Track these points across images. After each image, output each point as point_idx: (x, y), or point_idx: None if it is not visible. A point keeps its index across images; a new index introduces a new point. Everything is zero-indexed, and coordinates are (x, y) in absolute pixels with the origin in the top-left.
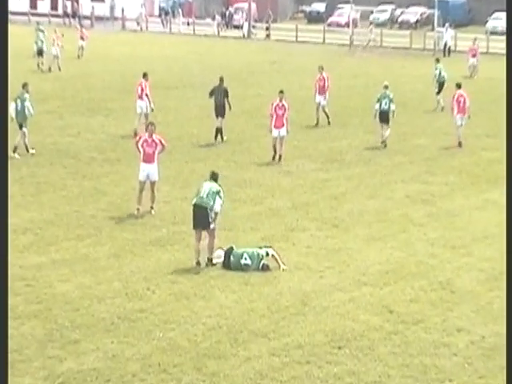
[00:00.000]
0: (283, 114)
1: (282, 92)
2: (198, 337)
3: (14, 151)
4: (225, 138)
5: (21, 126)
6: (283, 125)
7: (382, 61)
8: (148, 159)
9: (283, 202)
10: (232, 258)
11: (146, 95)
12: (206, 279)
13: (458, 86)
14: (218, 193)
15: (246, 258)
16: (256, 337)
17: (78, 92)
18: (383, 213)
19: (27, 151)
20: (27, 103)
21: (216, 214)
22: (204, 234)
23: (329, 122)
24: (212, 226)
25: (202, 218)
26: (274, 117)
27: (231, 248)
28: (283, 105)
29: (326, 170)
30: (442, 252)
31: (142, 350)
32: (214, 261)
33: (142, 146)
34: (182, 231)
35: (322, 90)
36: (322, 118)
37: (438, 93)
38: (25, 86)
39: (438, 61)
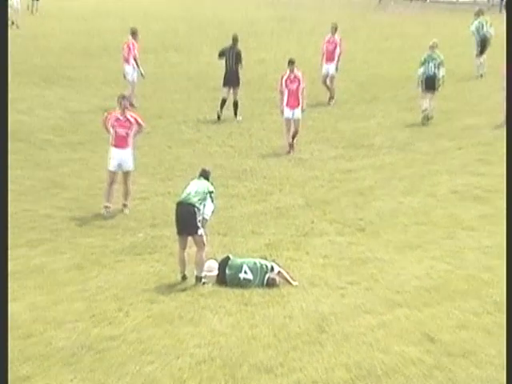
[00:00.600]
0: (297, 89)
1: (292, 63)
2: (183, 372)
3: None
4: (240, 117)
5: None
6: (298, 103)
7: (422, 17)
8: (120, 143)
9: (293, 198)
10: (228, 270)
11: (135, 59)
12: (194, 298)
13: None
14: (209, 193)
15: (246, 271)
16: (259, 372)
17: (30, 56)
18: (423, 213)
19: None
20: None
21: (206, 220)
22: (190, 240)
23: (330, 101)
24: (200, 231)
25: (187, 220)
26: (286, 93)
27: (227, 258)
28: (295, 77)
29: (348, 158)
30: (499, 264)
31: None
32: (204, 274)
33: (113, 125)
34: (163, 236)
35: (330, 57)
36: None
37: (480, 54)
38: None
39: (479, 14)
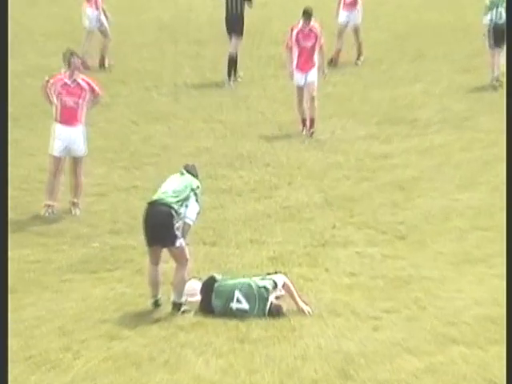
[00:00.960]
0: (313, 48)
1: (308, 13)
2: None
3: None
4: (240, 73)
5: None
6: (312, 65)
7: None
8: (68, 118)
9: (308, 194)
10: (215, 299)
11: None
12: (171, 332)
13: None
14: (193, 191)
15: (239, 299)
16: None
17: None
18: (486, 215)
19: None
20: None
21: (188, 226)
22: (165, 253)
23: (358, 59)
24: (179, 242)
25: (162, 226)
26: (296, 52)
27: (212, 279)
28: (312, 31)
29: (384, 139)
30: None
31: None
32: (185, 299)
33: (58, 94)
34: (127, 246)
35: (352, 2)
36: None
37: None
38: None
39: None
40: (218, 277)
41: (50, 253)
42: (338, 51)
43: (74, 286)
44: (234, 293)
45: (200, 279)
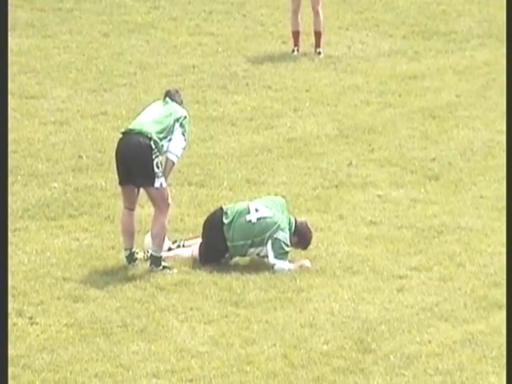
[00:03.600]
0: None
1: None
2: None
3: None
4: None
5: None
6: None
7: None
8: None
9: (319, 123)
10: (225, 219)
11: None
12: (149, 293)
13: None
14: (178, 121)
15: (257, 209)
16: None
17: None
18: None
19: None
20: None
21: (172, 163)
22: (142, 195)
23: None
24: (159, 181)
25: (137, 160)
26: None
27: (220, 210)
28: None
29: (412, 55)
30: None
31: None
32: (166, 252)
33: None
34: (94, 187)
35: None
36: None
37: None
38: None
39: None
40: (227, 206)
41: None
42: None
43: (28, 236)
44: (248, 206)
45: (175, 241)
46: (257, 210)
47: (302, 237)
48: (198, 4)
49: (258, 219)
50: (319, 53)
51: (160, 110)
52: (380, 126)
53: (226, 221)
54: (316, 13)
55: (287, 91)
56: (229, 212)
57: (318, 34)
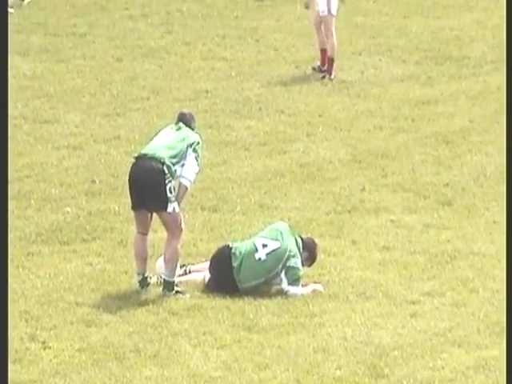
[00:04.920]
0: None
1: None
2: None
3: None
4: None
5: None
6: None
7: None
8: None
9: (332, 149)
10: (234, 261)
11: None
12: (161, 318)
13: None
14: (191, 146)
15: (264, 245)
16: None
17: None
18: None
19: None
20: None
21: (185, 188)
22: (155, 219)
23: None
24: (172, 206)
25: (151, 185)
26: None
27: (226, 248)
28: None
29: (426, 81)
30: None
31: None
32: (179, 279)
33: None
34: (108, 211)
35: None
36: None
37: None
38: None
39: None
40: (232, 244)
41: (13, 220)
42: None
43: (41, 261)
44: (254, 244)
45: (183, 265)
46: (264, 246)
47: (310, 251)
48: (210, 29)
49: (268, 254)
50: (325, 77)
51: (173, 135)
52: (393, 151)
53: (235, 264)
54: (327, 38)
55: (300, 116)
56: (237, 253)
57: (329, 60)
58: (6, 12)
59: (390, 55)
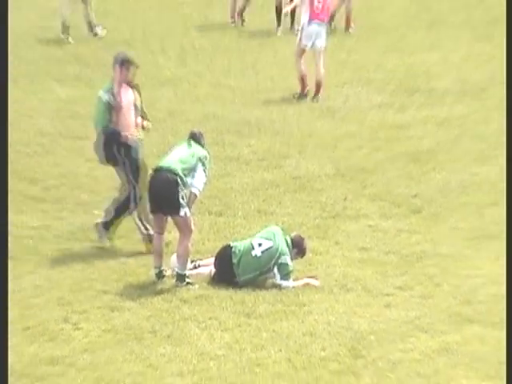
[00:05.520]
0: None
1: None
2: None
3: None
4: (279, 33)
5: None
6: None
7: None
8: None
9: (319, 164)
10: (234, 258)
11: None
12: (174, 305)
13: None
14: (200, 159)
15: (260, 244)
16: None
17: None
18: (505, 189)
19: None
20: None
21: (194, 196)
22: (170, 222)
23: (347, 27)
24: (184, 211)
25: (166, 193)
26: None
27: (228, 246)
28: None
29: (399, 108)
30: None
31: None
32: (189, 273)
33: None
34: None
35: None
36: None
37: None
38: None
39: None
40: (232, 243)
41: (49, 220)
42: (347, 17)
43: (73, 255)
44: (251, 243)
45: (192, 261)
46: (260, 245)
47: (299, 247)
48: (218, 61)
49: (263, 252)
50: (316, 99)
51: (185, 151)
52: (371, 167)
53: (234, 260)
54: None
55: (293, 136)
56: (236, 251)
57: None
58: (6, 12)
59: (369, 86)
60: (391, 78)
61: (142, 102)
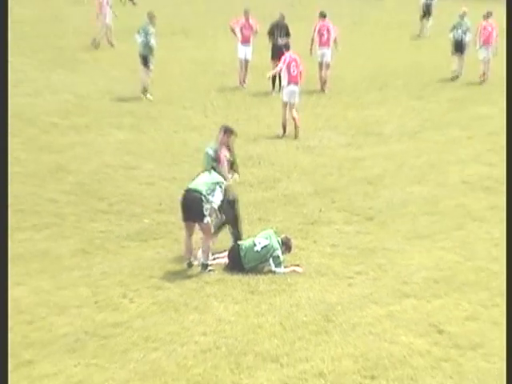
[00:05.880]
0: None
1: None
2: (188, 360)
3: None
4: (274, 93)
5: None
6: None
7: (439, 4)
8: None
9: (302, 186)
10: (242, 252)
11: (109, 5)
12: (200, 285)
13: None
14: (218, 184)
15: (260, 242)
16: (264, 361)
17: (38, 39)
18: (433, 203)
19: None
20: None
21: (214, 209)
22: (197, 227)
23: (323, 89)
24: (206, 220)
25: (193, 207)
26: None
27: (237, 245)
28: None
29: (357, 146)
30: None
31: (116, 375)
32: (210, 261)
33: None
34: (168, 222)
35: (326, 42)
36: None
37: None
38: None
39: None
40: (240, 243)
41: (112, 226)
42: (325, 81)
43: (129, 251)
44: (254, 241)
45: (212, 254)
46: (260, 243)
47: (287, 245)
48: (231, 114)
49: (262, 248)
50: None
51: (207, 177)
52: (338, 187)
53: (242, 254)
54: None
55: (283, 166)
56: (243, 247)
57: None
58: (6, 13)
59: (337, 131)
60: (352, 126)
61: (235, 160)
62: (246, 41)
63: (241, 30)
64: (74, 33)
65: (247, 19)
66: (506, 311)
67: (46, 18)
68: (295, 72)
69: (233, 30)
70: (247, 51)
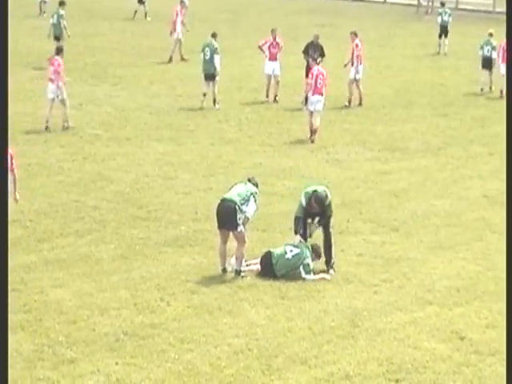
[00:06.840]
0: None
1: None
2: (221, 361)
3: None
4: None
5: None
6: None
7: (457, 26)
8: None
9: (331, 197)
10: (274, 259)
11: (182, 22)
12: (233, 290)
13: None
14: (252, 194)
15: (291, 250)
16: (294, 363)
17: (82, 55)
18: (455, 215)
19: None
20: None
21: (247, 218)
22: (231, 235)
23: (360, 103)
24: (240, 228)
25: (228, 216)
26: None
27: (269, 252)
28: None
29: (384, 161)
30: None
31: (153, 374)
32: (244, 268)
33: None
34: (204, 230)
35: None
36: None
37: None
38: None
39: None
40: (272, 250)
41: (150, 232)
42: (360, 97)
43: (167, 256)
44: (285, 249)
45: (246, 261)
46: (291, 251)
47: (316, 252)
48: (262, 128)
49: (293, 256)
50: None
51: (242, 188)
52: (365, 200)
53: (274, 261)
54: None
55: (313, 178)
56: (275, 255)
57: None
58: (6, 13)
59: (364, 146)
60: (379, 141)
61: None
62: (273, 58)
63: (268, 47)
64: (117, 49)
65: (274, 38)
66: (506, 311)
67: (87, 34)
68: (321, 84)
69: (261, 48)
70: (275, 67)
